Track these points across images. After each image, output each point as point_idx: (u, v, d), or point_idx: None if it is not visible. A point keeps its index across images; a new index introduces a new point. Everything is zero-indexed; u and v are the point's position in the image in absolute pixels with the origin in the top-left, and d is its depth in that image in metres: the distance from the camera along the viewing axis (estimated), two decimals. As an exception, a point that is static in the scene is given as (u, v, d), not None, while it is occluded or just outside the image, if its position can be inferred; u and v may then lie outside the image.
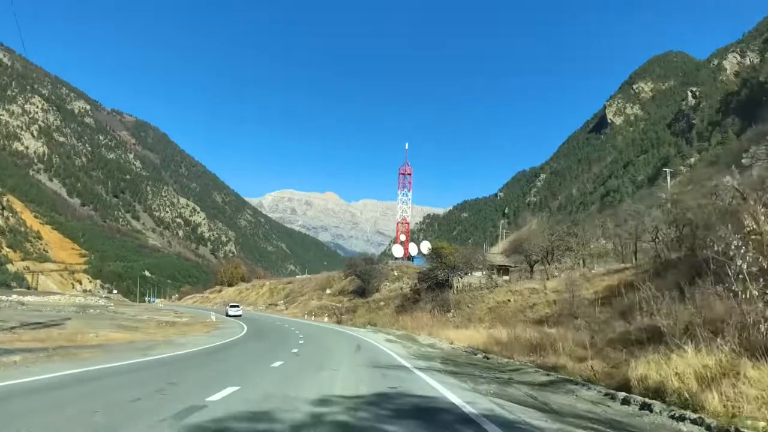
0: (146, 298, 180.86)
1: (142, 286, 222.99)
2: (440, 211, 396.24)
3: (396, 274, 75.86)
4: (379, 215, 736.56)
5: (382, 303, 63.09)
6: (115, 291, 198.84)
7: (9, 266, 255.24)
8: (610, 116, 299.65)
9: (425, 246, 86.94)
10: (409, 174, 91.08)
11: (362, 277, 69.28)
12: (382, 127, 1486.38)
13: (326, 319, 63.93)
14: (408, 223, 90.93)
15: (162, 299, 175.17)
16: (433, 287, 51.26)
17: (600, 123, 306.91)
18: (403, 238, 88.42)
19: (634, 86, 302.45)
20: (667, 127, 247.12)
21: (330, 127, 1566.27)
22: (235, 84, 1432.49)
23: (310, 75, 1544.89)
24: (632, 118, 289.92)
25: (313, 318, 66.09)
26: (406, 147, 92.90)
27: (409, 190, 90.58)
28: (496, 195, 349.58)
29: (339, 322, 58.85)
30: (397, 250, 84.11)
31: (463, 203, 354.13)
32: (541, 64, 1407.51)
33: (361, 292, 69.66)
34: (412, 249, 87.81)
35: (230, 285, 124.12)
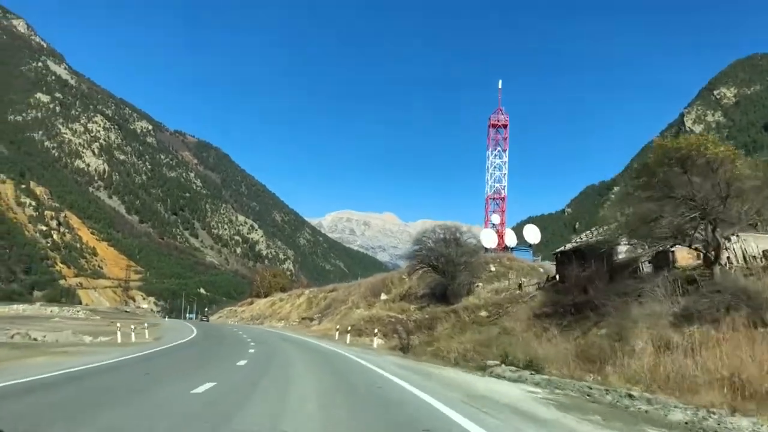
0: (187, 315, 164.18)
1: (196, 302, 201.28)
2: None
3: (494, 269, 43.79)
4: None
5: (484, 313, 31.25)
6: (144, 305, 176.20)
7: (62, 282, 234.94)
8: (688, 124, 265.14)
9: (532, 232, 54.48)
10: (504, 126, 57.77)
11: (443, 268, 37.31)
12: (440, 142, 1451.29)
13: (378, 340, 32.07)
14: (504, 198, 57.16)
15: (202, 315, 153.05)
16: (646, 264, 19.30)
17: (678, 132, 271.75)
18: (496, 220, 55.53)
19: (715, 92, 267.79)
20: (764, 129, 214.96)
21: (388, 148, 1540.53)
22: (294, 110, 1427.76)
23: (368, 106, 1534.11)
24: (714, 125, 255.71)
25: (348, 337, 33.84)
26: (500, 86, 59.13)
27: (504, 149, 57.39)
28: (563, 211, 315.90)
29: (405, 349, 26.89)
30: (488, 238, 51.62)
31: (528, 219, 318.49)
32: (605, 80, 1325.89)
33: (441, 296, 37.75)
34: (510, 238, 55.39)
35: (266, 296, 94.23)
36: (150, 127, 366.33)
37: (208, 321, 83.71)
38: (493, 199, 56.49)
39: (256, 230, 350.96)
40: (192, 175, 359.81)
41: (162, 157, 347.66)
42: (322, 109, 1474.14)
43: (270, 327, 62.03)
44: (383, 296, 46.46)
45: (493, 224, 55.05)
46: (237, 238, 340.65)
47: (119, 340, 27.90)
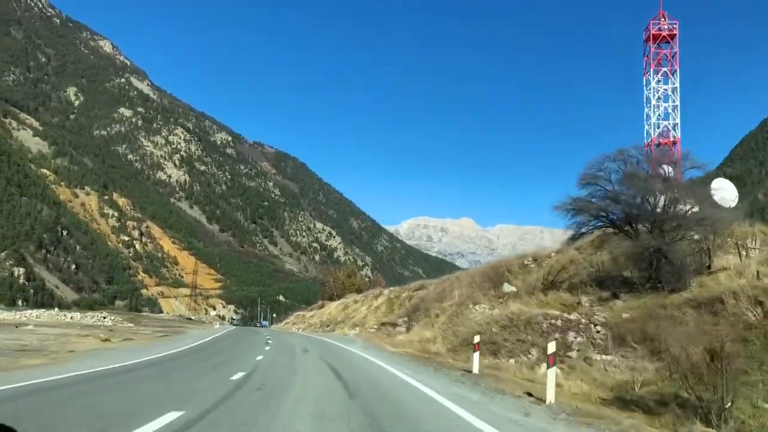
0: (257, 322, 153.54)
1: (269, 309, 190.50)
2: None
3: (697, 238, 24.88)
4: (517, 240, 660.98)
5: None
6: (213, 312, 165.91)
7: (143, 291, 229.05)
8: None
9: (726, 189, 34.83)
10: (669, 38, 36.79)
11: (646, 227, 19.10)
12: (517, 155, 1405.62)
13: (556, 369, 13.78)
14: (676, 143, 36.12)
15: (276, 323, 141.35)
16: None
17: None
18: (668, 172, 36.70)
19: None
20: None
21: (465, 155, 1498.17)
22: (372, 118, 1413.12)
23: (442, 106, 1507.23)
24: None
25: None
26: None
27: (669, 73, 36.67)
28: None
29: (714, 417, 8.75)
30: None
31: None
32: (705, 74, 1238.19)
33: (645, 277, 19.35)
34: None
35: (339, 298, 77.74)
36: (229, 139, 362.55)
37: (263, 328, 72.57)
38: (660, 144, 36.76)
39: (334, 237, 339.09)
40: (270, 184, 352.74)
41: (241, 167, 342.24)
42: (399, 107, 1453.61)
43: (340, 336, 44.97)
44: (508, 287, 28.34)
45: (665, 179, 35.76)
46: (315, 245, 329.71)
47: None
